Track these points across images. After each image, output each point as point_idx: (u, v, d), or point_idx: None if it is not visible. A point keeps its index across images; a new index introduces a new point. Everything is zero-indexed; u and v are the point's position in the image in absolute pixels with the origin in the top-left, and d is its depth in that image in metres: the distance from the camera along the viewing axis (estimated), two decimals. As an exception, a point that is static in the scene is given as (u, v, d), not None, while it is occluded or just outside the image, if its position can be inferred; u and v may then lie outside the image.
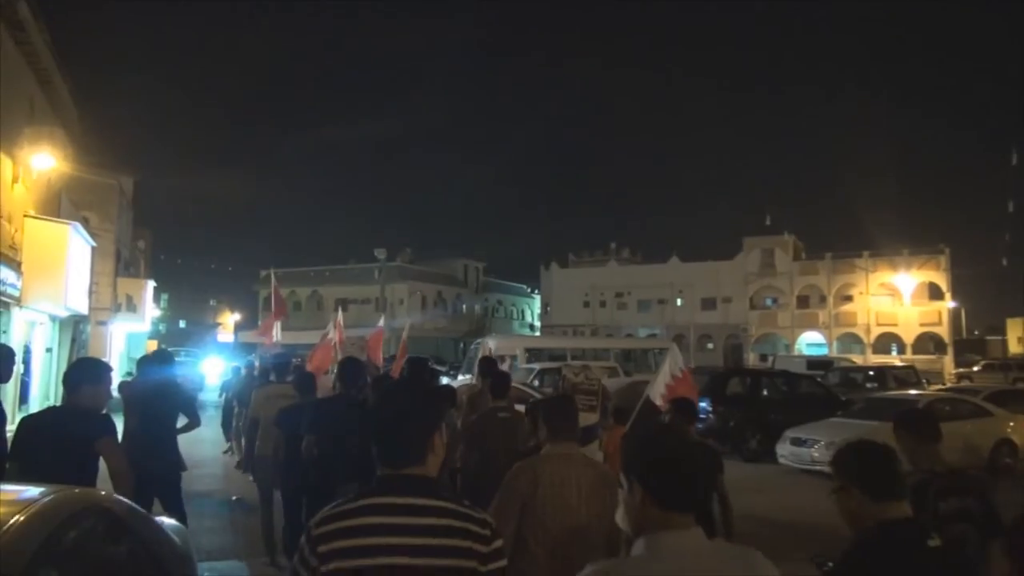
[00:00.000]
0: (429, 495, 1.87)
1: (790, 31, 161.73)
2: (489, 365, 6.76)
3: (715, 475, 4.70)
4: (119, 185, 31.74)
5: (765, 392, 15.61)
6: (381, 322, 14.43)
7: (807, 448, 12.26)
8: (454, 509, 1.87)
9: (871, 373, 20.80)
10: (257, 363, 12.64)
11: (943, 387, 20.43)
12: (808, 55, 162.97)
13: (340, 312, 13.89)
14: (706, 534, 1.79)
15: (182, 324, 78.91)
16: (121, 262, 34.10)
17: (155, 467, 5.47)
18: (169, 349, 7.33)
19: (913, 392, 15.50)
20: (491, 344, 24.30)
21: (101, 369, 4.19)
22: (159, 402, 5.94)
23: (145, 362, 8.46)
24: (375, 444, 1.93)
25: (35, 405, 15.99)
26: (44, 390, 17.99)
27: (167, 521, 3.94)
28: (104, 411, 4.16)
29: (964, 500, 3.21)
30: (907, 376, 20.36)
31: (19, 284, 14.07)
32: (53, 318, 18.07)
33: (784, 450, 12.74)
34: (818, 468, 12.02)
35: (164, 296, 71.50)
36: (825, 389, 16.52)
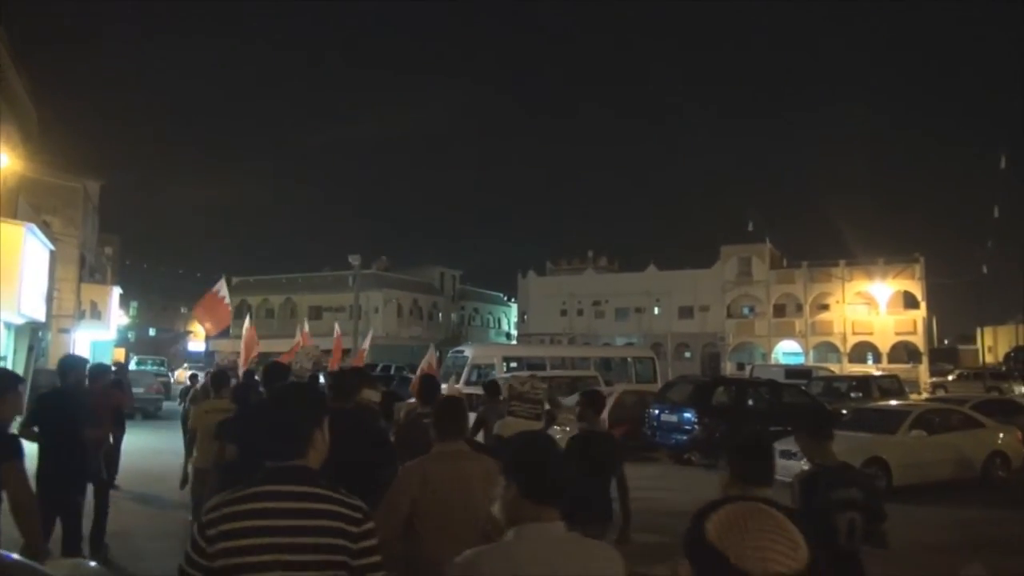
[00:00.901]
0: (308, 483, 2.08)
1: (766, 42, 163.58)
2: (425, 380, 6.77)
3: (615, 462, 5.17)
4: (84, 189, 30.77)
5: (751, 403, 15.19)
6: (337, 329, 13.97)
7: (797, 461, 11.79)
8: (329, 495, 2.08)
9: (855, 383, 20.48)
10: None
11: (928, 397, 20.20)
12: (784, 65, 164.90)
13: (306, 322, 13.36)
14: (603, 517, 2.21)
15: (152, 332, 77.42)
16: (86, 268, 33.03)
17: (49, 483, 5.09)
18: (74, 355, 6.72)
19: (897, 403, 15.17)
20: (468, 353, 23.74)
21: (5, 380, 3.59)
22: (55, 412, 5.37)
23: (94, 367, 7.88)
24: (263, 440, 2.14)
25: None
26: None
27: (87, 564, 3.33)
28: (18, 427, 3.57)
29: (850, 491, 3.71)
30: (891, 385, 20.07)
31: (-33, 289, 13.29)
32: (8, 325, 17.19)
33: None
34: (808, 482, 11.62)
35: (133, 304, 70.02)
36: (811, 399, 16.14)
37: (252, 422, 4.60)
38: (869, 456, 11.50)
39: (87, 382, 7.83)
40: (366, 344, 14.03)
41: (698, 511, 1.34)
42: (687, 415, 14.49)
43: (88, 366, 8.09)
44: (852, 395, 19.33)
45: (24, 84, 16.68)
